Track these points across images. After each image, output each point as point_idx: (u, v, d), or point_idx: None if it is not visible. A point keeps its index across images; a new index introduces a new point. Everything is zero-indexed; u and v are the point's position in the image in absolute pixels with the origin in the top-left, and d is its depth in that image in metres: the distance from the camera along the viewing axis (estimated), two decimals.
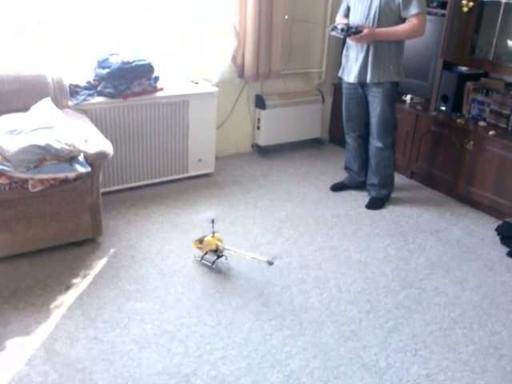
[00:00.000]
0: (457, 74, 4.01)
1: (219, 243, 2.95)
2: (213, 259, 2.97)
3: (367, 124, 3.82)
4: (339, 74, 3.81)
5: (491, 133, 3.64)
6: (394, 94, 3.66)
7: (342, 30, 3.42)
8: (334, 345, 2.45)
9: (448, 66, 4.05)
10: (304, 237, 3.36)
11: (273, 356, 2.36)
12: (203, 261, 3.01)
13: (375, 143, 3.73)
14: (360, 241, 3.36)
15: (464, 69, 4.04)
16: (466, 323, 2.64)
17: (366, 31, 3.37)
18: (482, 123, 3.83)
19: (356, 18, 3.51)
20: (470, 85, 3.97)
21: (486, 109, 3.87)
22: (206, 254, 3.00)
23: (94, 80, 3.67)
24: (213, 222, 2.96)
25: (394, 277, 3.00)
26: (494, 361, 2.40)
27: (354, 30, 3.40)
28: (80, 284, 2.80)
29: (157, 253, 3.12)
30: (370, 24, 3.43)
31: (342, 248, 3.27)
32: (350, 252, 3.23)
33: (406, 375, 2.29)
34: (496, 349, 2.47)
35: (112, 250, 3.12)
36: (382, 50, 3.47)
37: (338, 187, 4.08)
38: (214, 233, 2.96)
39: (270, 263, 2.86)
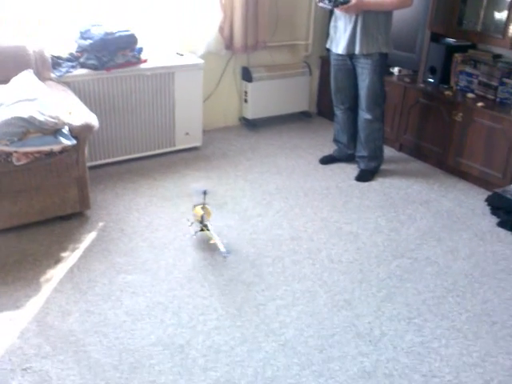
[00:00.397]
0: (444, 45, 3.98)
1: (205, 216, 2.90)
2: (196, 230, 2.93)
3: (356, 96, 3.78)
4: (327, 46, 3.77)
5: (480, 104, 3.64)
6: (383, 65, 3.62)
7: (330, 0, 3.37)
8: (327, 314, 2.45)
9: (435, 38, 4.02)
10: (294, 209, 3.35)
11: (267, 326, 2.35)
12: (190, 227, 2.99)
13: (364, 115, 3.71)
14: (350, 212, 3.36)
15: (452, 40, 4.01)
16: (459, 292, 2.66)
17: (353, 1, 3.32)
18: (470, 95, 3.82)
19: None
20: (457, 56, 3.95)
21: (474, 80, 3.86)
22: (193, 223, 2.98)
23: (76, 51, 3.58)
24: (204, 193, 2.92)
25: (386, 247, 3.01)
26: (487, 327, 2.42)
27: (341, 0, 3.35)
28: (69, 258, 2.76)
29: (146, 226, 3.08)
30: None
31: (332, 219, 3.26)
32: (340, 223, 3.22)
33: (401, 343, 2.30)
34: (488, 316, 2.50)
35: (101, 224, 3.08)
36: (371, 20, 3.43)
37: (326, 160, 4.06)
38: (204, 204, 2.93)
39: (225, 256, 2.81)
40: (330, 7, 3.46)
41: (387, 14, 3.46)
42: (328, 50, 3.88)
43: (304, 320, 2.40)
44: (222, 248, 2.79)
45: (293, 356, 2.19)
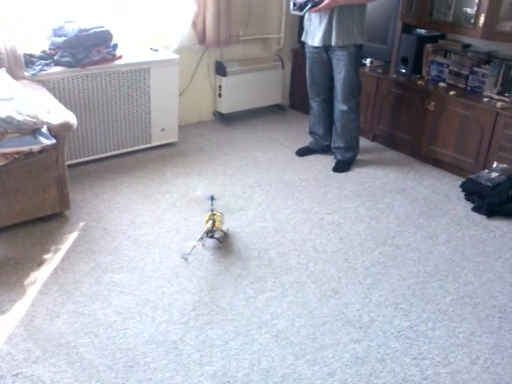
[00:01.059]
0: (416, 36, 4.06)
1: (213, 222, 2.84)
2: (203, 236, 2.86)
3: (331, 88, 3.83)
4: (302, 38, 3.79)
5: (452, 93, 3.73)
6: (358, 56, 3.68)
7: (301, 6, 3.45)
8: (316, 303, 2.48)
9: (407, 29, 4.09)
10: (276, 201, 3.37)
11: (258, 318, 2.37)
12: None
13: (340, 106, 3.75)
14: (330, 203, 3.40)
15: (423, 31, 4.09)
16: (441, 276, 2.73)
17: (326, 1, 3.37)
18: (442, 84, 3.90)
19: None
20: (429, 47, 4.04)
21: (446, 70, 3.95)
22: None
23: (49, 49, 3.49)
24: (212, 199, 2.88)
25: (367, 235, 3.06)
26: (470, 309, 2.50)
27: (311, 3, 3.41)
28: (52, 259, 2.72)
29: (129, 224, 3.05)
30: None
31: (313, 210, 3.29)
32: (322, 214, 3.26)
33: (390, 328, 2.35)
34: (471, 298, 2.57)
35: (82, 224, 3.04)
36: (346, 12, 3.46)
37: (303, 152, 4.09)
38: (212, 210, 2.88)
39: (185, 258, 2.78)
40: (302, 14, 3.55)
41: (362, 6, 3.51)
42: (302, 43, 3.90)
43: (294, 310, 2.43)
44: (185, 252, 2.77)
45: (286, 346, 2.22)
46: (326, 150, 4.07)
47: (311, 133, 4.12)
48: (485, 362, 2.19)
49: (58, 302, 2.42)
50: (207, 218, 2.89)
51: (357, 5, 3.46)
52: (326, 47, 3.61)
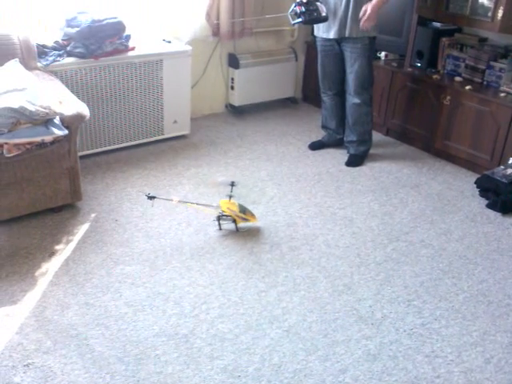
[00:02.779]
0: (432, 29, 4.00)
1: (227, 209, 2.87)
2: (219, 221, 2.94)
3: (343, 82, 3.80)
4: (315, 33, 3.74)
5: (467, 87, 3.67)
6: (372, 49, 3.64)
7: (302, 13, 3.36)
8: (328, 299, 2.46)
9: (422, 22, 4.03)
10: (288, 195, 3.35)
11: (270, 312, 2.36)
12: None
13: (352, 99, 3.71)
14: (343, 197, 3.37)
15: (438, 24, 4.03)
16: (455, 273, 2.69)
17: (369, 10, 3.36)
18: (457, 78, 3.85)
19: None
20: (445, 40, 3.98)
21: (462, 64, 3.89)
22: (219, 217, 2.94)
23: (62, 40, 3.49)
24: (232, 185, 2.91)
25: (380, 231, 3.03)
26: (484, 307, 2.47)
27: (315, 15, 3.35)
28: (64, 250, 2.71)
29: (140, 216, 3.05)
30: None
31: (326, 205, 3.27)
32: (334, 208, 3.23)
33: (402, 325, 2.33)
34: (484, 296, 2.54)
35: (93, 215, 3.03)
36: (361, 4, 3.42)
37: (316, 146, 4.06)
38: (230, 197, 2.89)
39: (150, 198, 2.81)
40: (302, 23, 3.48)
41: None
42: (314, 37, 3.84)
43: (306, 305, 2.41)
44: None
45: (298, 342, 2.20)
46: (339, 143, 4.04)
47: (324, 127, 4.09)
48: (499, 362, 2.16)
49: (69, 293, 2.41)
50: (223, 202, 2.89)
51: None
52: (339, 40, 3.57)
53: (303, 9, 3.35)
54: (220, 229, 2.94)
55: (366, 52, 3.57)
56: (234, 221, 2.91)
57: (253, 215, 2.94)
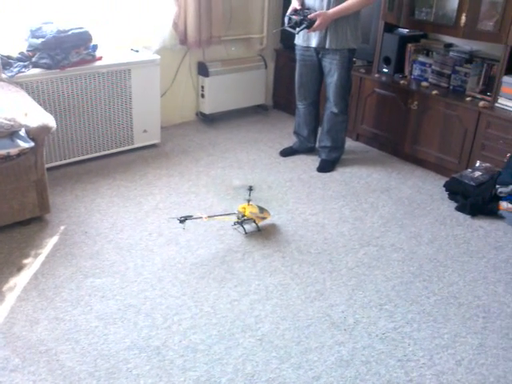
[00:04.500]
0: (398, 35, 4.06)
1: (245, 211, 2.97)
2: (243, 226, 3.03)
3: (318, 92, 3.85)
4: (295, 41, 3.73)
5: (434, 92, 3.73)
6: (351, 61, 3.65)
7: (296, 23, 3.41)
8: (301, 306, 2.46)
9: (389, 29, 4.09)
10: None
11: (242, 321, 2.35)
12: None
13: (331, 108, 3.74)
14: (315, 203, 3.38)
15: (405, 31, 4.09)
16: (425, 276, 2.72)
17: (318, 21, 3.35)
18: (424, 83, 3.91)
19: None
20: (411, 46, 4.04)
21: (428, 69, 3.95)
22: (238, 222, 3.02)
23: (27, 51, 3.43)
24: (250, 189, 3.03)
25: (352, 236, 3.05)
26: (455, 309, 2.50)
27: (307, 23, 3.38)
28: (32, 264, 2.66)
29: (110, 227, 3.01)
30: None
31: (298, 211, 3.27)
32: (306, 215, 3.24)
33: (375, 329, 2.34)
34: (455, 298, 2.57)
35: (62, 228, 2.98)
36: (343, 17, 3.44)
37: (287, 152, 4.07)
38: (249, 201, 3.01)
39: (182, 221, 2.82)
40: (295, 32, 3.51)
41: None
42: (286, 45, 3.83)
43: (279, 313, 2.40)
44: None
45: (271, 350, 2.19)
46: (309, 151, 4.06)
47: (296, 133, 4.11)
48: (469, 363, 2.19)
49: (38, 308, 2.37)
50: (242, 207, 3.00)
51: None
52: (319, 50, 3.59)
53: (301, 16, 3.40)
54: (246, 233, 3.00)
55: (344, 64, 3.59)
56: (254, 221, 3.00)
57: (268, 212, 3.09)
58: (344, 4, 3.40)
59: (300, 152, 4.09)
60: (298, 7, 3.49)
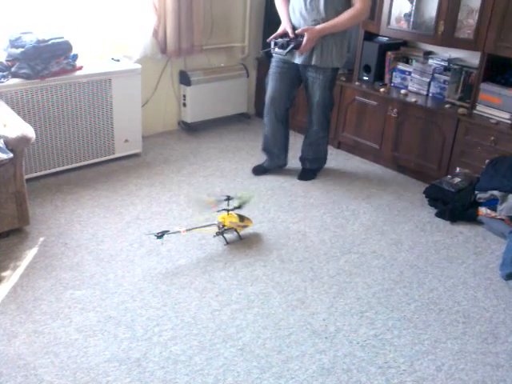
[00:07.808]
0: (377, 44, 4.10)
1: (225, 221, 2.96)
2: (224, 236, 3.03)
3: (288, 109, 3.73)
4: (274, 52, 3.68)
5: (413, 100, 3.77)
6: (334, 79, 3.57)
7: (282, 46, 3.35)
8: (282, 314, 2.46)
9: (369, 37, 4.13)
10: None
11: (223, 331, 2.34)
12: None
13: (313, 126, 3.68)
14: (296, 211, 3.39)
15: (384, 39, 4.13)
16: (406, 282, 2.74)
17: (306, 36, 3.26)
18: (404, 91, 3.95)
19: (299, 4, 3.36)
20: (390, 54, 4.08)
21: (408, 77, 4.00)
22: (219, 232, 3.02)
23: (6, 60, 3.40)
24: (228, 199, 2.99)
25: (333, 243, 3.06)
26: (435, 315, 2.51)
27: (294, 43, 3.33)
28: (11, 277, 2.63)
29: (90, 238, 2.99)
30: (316, 9, 3.32)
31: (279, 220, 3.28)
32: (287, 223, 3.25)
33: (356, 337, 2.35)
34: (435, 304, 2.59)
35: (42, 239, 2.96)
36: (329, 35, 3.36)
37: (259, 171, 3.89)
38: (228, 211, 3.00)
39: (159, 237, 2.81)
40: (283, 54, 3.41)
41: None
42: (270, 56, 3.74)
43: (260, 322, 2.40)
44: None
45: (252, 360, 2.19)
46: (281, 167, 3.94)
47: (265, 150, 3.88)
48: (449, 369, 2.20)
49: (17, 322, 2.34)
50: (221, 217, 2.98)
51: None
52: (303, 66, 3.50)
53: (286, 38, 3.36)
54: (227, 243, 3.00)
55: (327, 84, 3.51)
56: (236, 230, 3.00)
57: (249, 220, 3.06)
58: (332, 21, 3.29)
59: (271, 170, 3.90)
60: (291, 34, 3.35)
